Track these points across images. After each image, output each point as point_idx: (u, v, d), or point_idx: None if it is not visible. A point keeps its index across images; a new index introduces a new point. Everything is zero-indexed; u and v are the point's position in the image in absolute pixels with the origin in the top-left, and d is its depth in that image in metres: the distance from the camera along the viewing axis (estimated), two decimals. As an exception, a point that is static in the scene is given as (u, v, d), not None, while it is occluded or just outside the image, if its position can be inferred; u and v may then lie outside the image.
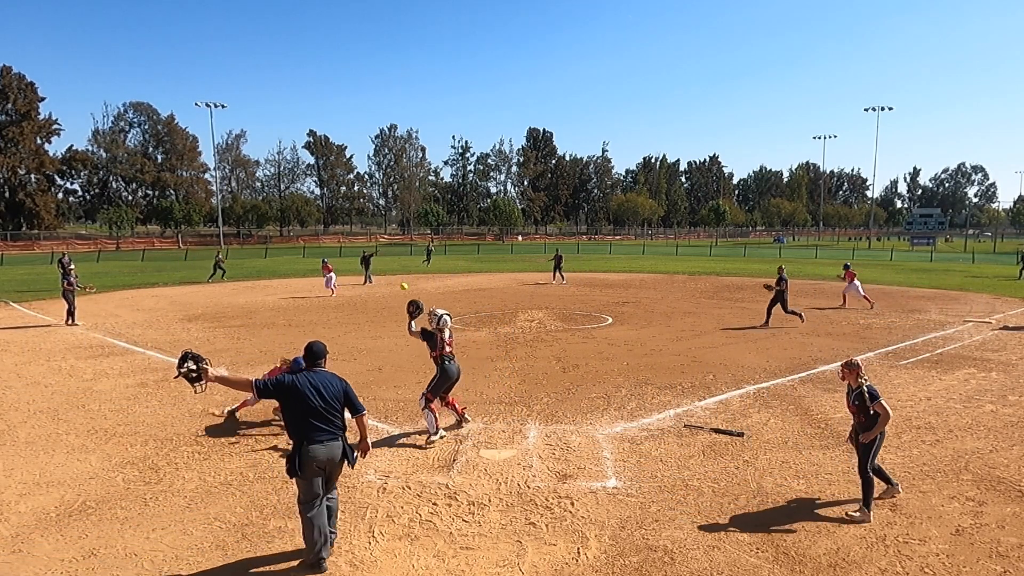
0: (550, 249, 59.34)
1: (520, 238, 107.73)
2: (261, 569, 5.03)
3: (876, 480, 6.02)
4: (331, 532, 5.09)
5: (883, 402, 5.88)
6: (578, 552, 5.26)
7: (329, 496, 5.10)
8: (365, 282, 29.25)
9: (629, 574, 4.95)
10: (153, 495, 6.38)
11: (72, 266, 18.84)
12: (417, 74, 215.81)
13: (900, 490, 6.33)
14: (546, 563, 5.10)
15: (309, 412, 4.82)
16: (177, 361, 5.02)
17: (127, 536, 5.52)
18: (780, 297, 16.66)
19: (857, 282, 21.25)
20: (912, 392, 10.31)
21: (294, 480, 5.00)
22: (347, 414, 5.20)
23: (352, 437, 5.21)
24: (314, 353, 5.09)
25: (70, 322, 17.24)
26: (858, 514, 5.89)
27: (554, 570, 5.01)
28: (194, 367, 4.86)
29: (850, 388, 6.12)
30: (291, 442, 4.96)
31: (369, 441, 5.28)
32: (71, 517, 5.89)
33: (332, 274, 25.48)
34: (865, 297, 20.86)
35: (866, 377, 6.09)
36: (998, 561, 5.09)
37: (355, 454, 5.10)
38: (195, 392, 5.10)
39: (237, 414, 8.90)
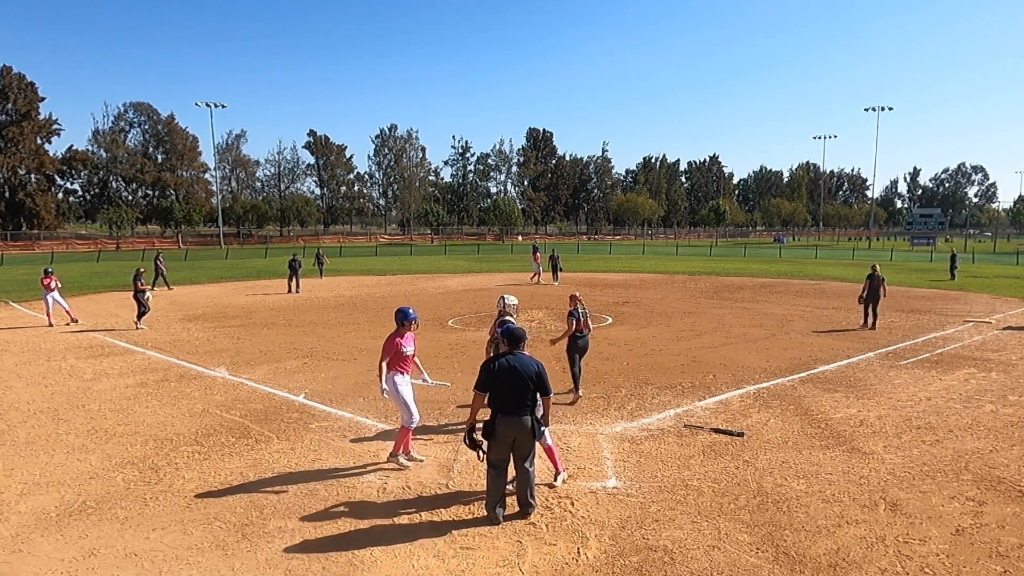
0: (549, 249, 59.36)
1: (520, 238, 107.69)
2: (261, 569, 5.03)
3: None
4: (530, 501, 5.90)
5: (571, 321, 9.63)
6: (578, 552, 5.26)
7: (526, 467, 5.88)
8: (289, 289, 26.17)
9: (629, 574, 4.95)
10: (153, 495, 6.37)
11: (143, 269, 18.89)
12: (417, 74, 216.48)
13: (581, 394, 9.71)
14: (546, 563, 5.10)
15: (504, 390, 5.69)
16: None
17: (127, 536, 5.51)
18: (876, 293, 16.67)
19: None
20: (912, 392, 10.31)
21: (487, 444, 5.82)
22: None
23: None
24: (515, 338, 5.90)
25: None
26: (576, 395, 9.64)
27: (554, 570, 5.01)
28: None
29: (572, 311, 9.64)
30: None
31: (550, 417, 6.27)
32: (71, 517, 5.88)
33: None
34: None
35: (581, 304, 9.78)
36: (998, 561, 5.09)
37: (541, 428, 5.91)
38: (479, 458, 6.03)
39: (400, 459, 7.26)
